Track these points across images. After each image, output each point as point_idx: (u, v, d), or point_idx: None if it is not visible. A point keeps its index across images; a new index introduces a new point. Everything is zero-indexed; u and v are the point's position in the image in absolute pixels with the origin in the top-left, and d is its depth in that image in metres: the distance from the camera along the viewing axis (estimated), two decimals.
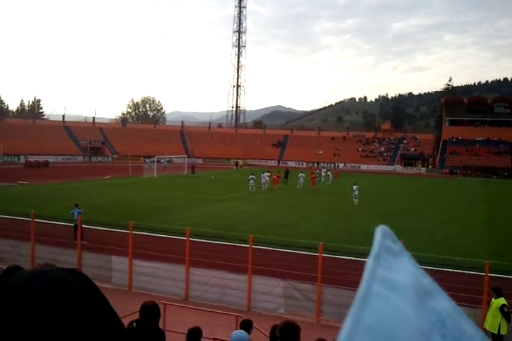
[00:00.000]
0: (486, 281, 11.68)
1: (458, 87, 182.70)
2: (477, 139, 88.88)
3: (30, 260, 16.31)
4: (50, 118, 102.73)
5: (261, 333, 8.31)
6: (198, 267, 14.68)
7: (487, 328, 11.24)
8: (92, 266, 15.79)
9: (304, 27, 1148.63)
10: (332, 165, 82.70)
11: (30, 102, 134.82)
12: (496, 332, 10.99)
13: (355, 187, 36.30)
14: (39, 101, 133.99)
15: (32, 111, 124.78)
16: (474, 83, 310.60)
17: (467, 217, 31.63)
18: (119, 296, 14.37)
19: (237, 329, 7.60)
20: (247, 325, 6.98)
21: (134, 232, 15.53)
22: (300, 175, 48.05)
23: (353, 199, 36.07)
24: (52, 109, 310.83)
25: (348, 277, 14.92)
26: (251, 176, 42.86)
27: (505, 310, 10.95)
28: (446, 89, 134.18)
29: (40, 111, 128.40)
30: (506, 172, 77.39)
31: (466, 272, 15.79)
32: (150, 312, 6.03)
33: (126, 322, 6.25)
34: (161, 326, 7.18)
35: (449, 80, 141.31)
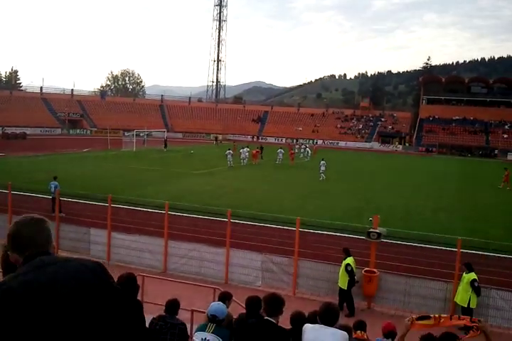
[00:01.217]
0: (458, 257, 11.99)
1: (436, 66, 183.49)
2: (453, 118, 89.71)
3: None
4: (28, 90, 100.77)
5: (238, 305, 8.46)
6: (177, 240, 14.79)
7: (457, 302, 11.64)
8: (70, 239, 15.81)
9: (286, 2, 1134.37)
10: (311, 141, 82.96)
11: (7, 73, 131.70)
12: (466, 306, 11.37)
13: (322, 162, 36.82)
14: (16, 72, 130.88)
15: (9, 83, 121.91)
16: (452, 62, 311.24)
17: (441, 194, 32.16)
18: None
19: (214, 301, 7.73)
20: (225, 297, 7.10)
21: (112, 205, 15.53)
22: (279, 150, 48.14)
23: (320, 175, 36.50)
24: (29, 81, 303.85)
25: (324, 251, 15.21)
26: (228, 151, 43.00)
27: (476, 284, 11.30)
28: (424, 67, 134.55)
29: (18, 82, 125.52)
30: (481, 151, 78.56)
31: (439, 248, 16.17)
32: (127, 283, 6.10)
33: None
34: (139, 298, 7.29)
35: (428, 59, 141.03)
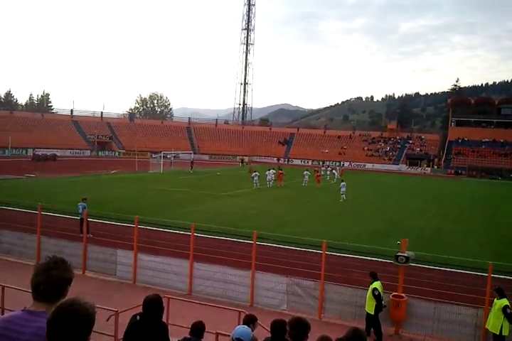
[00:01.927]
0: (489, 282, 11.70)
1: (465, 87, 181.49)
2: (483, 140, 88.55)
3: (37, 252, 16.45)
4: (59, 113, 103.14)
5: (263, 328, 8.38)
6: (202, 262, 14.76)
7: (489, 329, 11.27)
8: (97, 259, 15.92)
9: (313, 26, 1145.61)
10: (337, 163, 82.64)
11: (39, 96, 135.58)
12: (498, 333, 11.03)
13: (342, 184, 37.32)
14: (48, 95, 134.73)
15: (41, 105, 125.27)
16: (482, 84, 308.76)
17: (472, 217, 31.60)
18: (123, 289, 14.51)
19: (239, 324, 7.66)
20: (250, 321, 7.04)
21: (139, 227, 15.62)
22: (305, 172, 48.06)
23: (341, 196, 36.70)
24: (60, 104, 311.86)
25: (351, 275, 15.01)
26: (255, 173, 43.16)
27: (508, 311, 10.95)
28: (453, 89, 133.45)
29: (49, 105, 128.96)
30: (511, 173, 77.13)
31: (469, 272, 15.80)
32: (153, 305, 6.10)
33: (130, 315, 6.36)
34: (164, 320, 7.27)
35: (457, 81, 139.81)
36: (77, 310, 2.35)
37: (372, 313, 11.96)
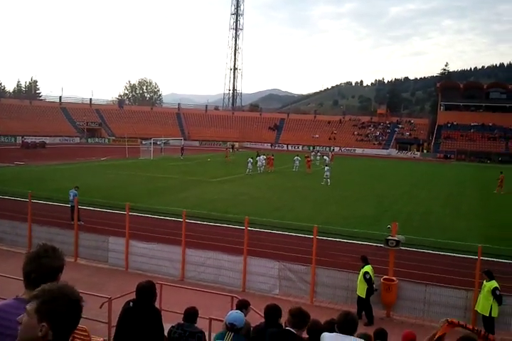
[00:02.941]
0: (479, 265, 11.83)
1: (454, 71, 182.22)
2: (472, 124, 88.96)
3: (28, 240, 16.43)
4: (47, 100, 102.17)
5: (255, 313, 8.44)
6: (194, 248, 14.81)
7: (478, 310, 11.44)
8: (89, 247, 15.93)
9: (302, 10, 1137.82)
10: (328, 148, 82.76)
11: (27, 83, 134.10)
12: (488, 315, 11.19)
13: (326, 168, 38.16)
14: (36, 82, 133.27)
15: (29, 92, 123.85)
16: (471, 68, 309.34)
17: (460, 200, 31.86)
18: (116, 276, 14.55)
19: (232, 309, 7.72)
20: (243, 306, 7.08)
21: (130, 213, 15.61)
22: (295, 158, 48.13)
23: (326, 180, 37.29)
24: (49, 90, 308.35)
25: (342, 259, 15.14)
26: (249, 159, 43.38)
27: (497, 293, 11.12)
28: (442, 74, 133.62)
29: (37, 92, 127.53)
30: (500, 157, 77.66)
31: (459, 255, 15.96)
32: (146, 291, 6.13)
33: (123, 301, 6.38)
34: (157, 306, 7.30)
35: (446, 65, 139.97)
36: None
37: (364, 297, 12.09)
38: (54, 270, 2.83)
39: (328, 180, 37.28)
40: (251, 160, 43.61)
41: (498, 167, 67.26)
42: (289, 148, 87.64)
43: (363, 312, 12.13)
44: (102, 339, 7.99)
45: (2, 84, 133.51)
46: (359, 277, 12.22)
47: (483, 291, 11.33)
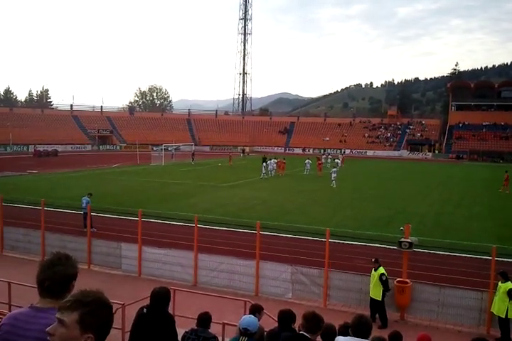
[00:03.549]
0: (493, 265, 11.72)
1: (465, 71, 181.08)
2: (484, 124, 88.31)
3: (41, 248, 16.53)
4: (59, 108, 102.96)
5: (268, 317, 8.43)
6: (207, 253, 14.83)
7: (494, 312, 11.27)
8: (101, 253, 15.99)
9: (310, 13, 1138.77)
10: (338, 151, 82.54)
11: (39, 92, 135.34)
12: (504, 316, 11.05)
13: (333, 170, 38.58)
14: (47, 90, 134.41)
15: (40, 101, 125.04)
16: (481, 67, 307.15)
17: (473, 201, 31.61)
18: (129, 282, 14.59)
19: (245, 314, 7.72)
20: (256, 310, 7.08)
21: (142, 219, 15.67)
22: (307, 161, 48.08)
23: (333, 182, 37.45)
24: (60, 99, 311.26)
25: (355, 262, 15.08)
26: (264, 163, 43.91)
27: None
28: (452, 73, 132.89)
29: (49, 100, 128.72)
30: None
31: (473, 256, 15.84)
32: (161, 297, 6.16)
33: (136, 307, 6.41)
34: (170, 311, 7.33)
35: (456, 65, 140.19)
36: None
37: (380, 299, 12.01)
38: (68, 278, 2.85)
39: (334, 181, 37.41)
40: (265, 164, 43.99)
41: (511, 166, 66.76)
42: (301, 151, 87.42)
43: (377, 315, 12.07)
44: None
45: (14, 94, 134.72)
46: (374, 279, 12.14)
47: (499, 293, 11.19)
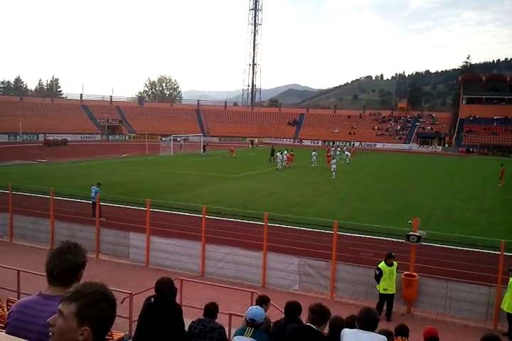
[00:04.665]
0: (502, 260, 11.67)
1: (476, 64, 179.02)
2: (495, 117, 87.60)
3: (51, 236, 16.64)
4: (68, 97, 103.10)
5: (275, 309, 8.46)
6: (214, 244, 14.87)
7: (504, 309, 11.13)
8: (110, 243, 16.08)
9: (321, 4, 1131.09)
10: (347, 143, 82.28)
11: (49, 81, 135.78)
12: None
13: (333, 161, 39.34)
14: (57, 80, 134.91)
15: (50, 90, 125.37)
16: (493, 60, 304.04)
17: (483, 195, 31.46)
18: (136, 272, 14.68)
19: (252, 305, 7.73)
20: (263, 301, 7.08)
21: (151, 209, 15.73)
22: (313, 153, 47.96)
23: (332, 173, 38.09)
24: (70, 88, 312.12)
25: (362, 254, 15.07)
26: (278, 154, 44.75)
27: None
28: (464, 66, 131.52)
29: (59, 90, 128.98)
30: None
31: (481, 250, 15.80)
32: (164, 287, 6.18)
33: (144, 297, 6.44)
34: (177, 301, 7.35)
35: (467, 58, 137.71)
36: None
37: (395, 292, 11.99)
38: (77, 266, 2.88)
39: (334, 173, 37.98)
40: (279, 155, 44.48)
41: None
42: (309, 143, 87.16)
43: (384, 308, 12.04)
44: (123, 334, 8.07)
45: (24, 83, 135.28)
46: (392, 272, 11.99)
47: (510, 289, 11.01)
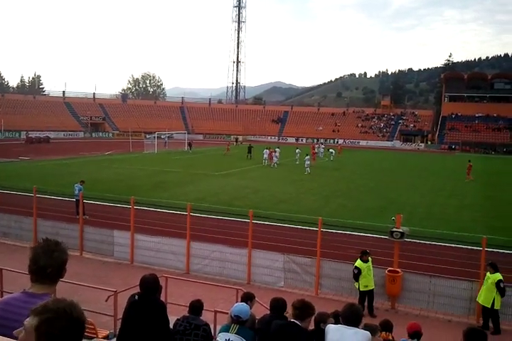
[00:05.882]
0: (483, 256, 11.82)
1: (458, 62, 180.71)
2: (476, 115, 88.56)
3: (33, 235, 16.49)
4: (51, 94, 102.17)
5: (260, 305, 8.47)
6: (199, 241, 14.85)
7: (480, 302, 11.43)
8: (94, 240, 15.98)
9: (305, 2, 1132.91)
10: (332, 141, 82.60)
11: (31, 78, 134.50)
12: (490, 307, 11.15)
13: (306, 157, 40.03)
14: (39, 77, 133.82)
15: (32, 87, 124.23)
16: (475, 59, 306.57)
17: (465, 192, 31.78)
18: (121, 270, 14.61)
19: (237, 302, 7.74)
20: (248, 298, 7.09)
21: (135, 207, 15.65)
22: (297, 150, 48.13)
23: (306, 169, 39.11)
24: (52, 85, 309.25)
25: (346, 251, 15.14)
26: (264, 150, 45.62)
27: (502, 285, 11.07)
28: (446, 64, 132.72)
29: (41, 87, 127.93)
30: (505, 148, 77.33)
31: (464, 246, 15.97)
32: (149, 285, 6.15)
33: (128, 295, 6.41)
34: (162, 299, 7.34)
35: (449, 56, 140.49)
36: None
37: (373, 288, 12.08)
38: (64, 263, 2.90)
39: (308, 168, 38.92)
40: (267, 151, 45.23)
41: (503, 158, 67.16)
42: (294, 140, 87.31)
43: (366, 303, 12.11)
44: (107, 332, 8.04)
45: (6, 80, 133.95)
46: (369, 268, 12.09)
47: (487, 283, 11.28)
